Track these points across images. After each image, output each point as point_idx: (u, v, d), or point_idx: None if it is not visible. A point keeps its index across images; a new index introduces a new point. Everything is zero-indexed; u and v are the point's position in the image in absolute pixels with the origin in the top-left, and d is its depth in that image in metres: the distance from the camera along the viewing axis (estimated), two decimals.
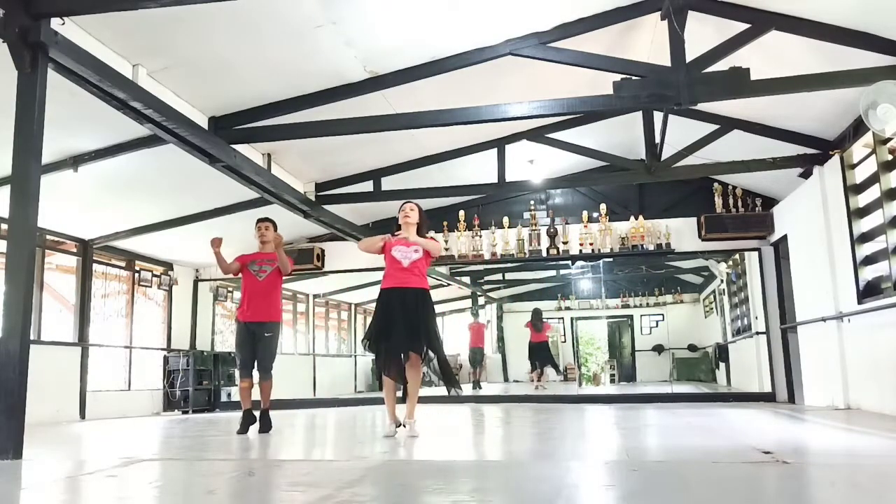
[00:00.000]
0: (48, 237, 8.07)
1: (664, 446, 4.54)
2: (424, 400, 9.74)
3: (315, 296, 12.83)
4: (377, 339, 4.70)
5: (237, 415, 5.79)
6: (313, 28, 5.16)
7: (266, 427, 5.53)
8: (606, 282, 11.39)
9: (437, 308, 5.18)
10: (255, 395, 5.61)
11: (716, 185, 9.13)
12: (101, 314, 8.98)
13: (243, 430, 5.45)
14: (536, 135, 7.94)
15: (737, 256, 10.09)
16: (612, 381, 13.23)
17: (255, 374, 5.62)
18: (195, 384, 9.61)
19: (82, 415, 8.17)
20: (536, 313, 12.32)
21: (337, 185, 8.44)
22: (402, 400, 4.92)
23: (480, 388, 12.26)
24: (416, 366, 4.71)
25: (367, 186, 8.33)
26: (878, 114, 4.99)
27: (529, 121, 6.77)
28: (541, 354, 12.16)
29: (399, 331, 4.61)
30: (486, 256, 9.72)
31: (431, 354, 4.76)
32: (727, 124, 7.22)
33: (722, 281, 11.51)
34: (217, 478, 3.19)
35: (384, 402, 4.84)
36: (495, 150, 8.00)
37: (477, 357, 12.75)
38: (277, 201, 7.59)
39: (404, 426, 4.78)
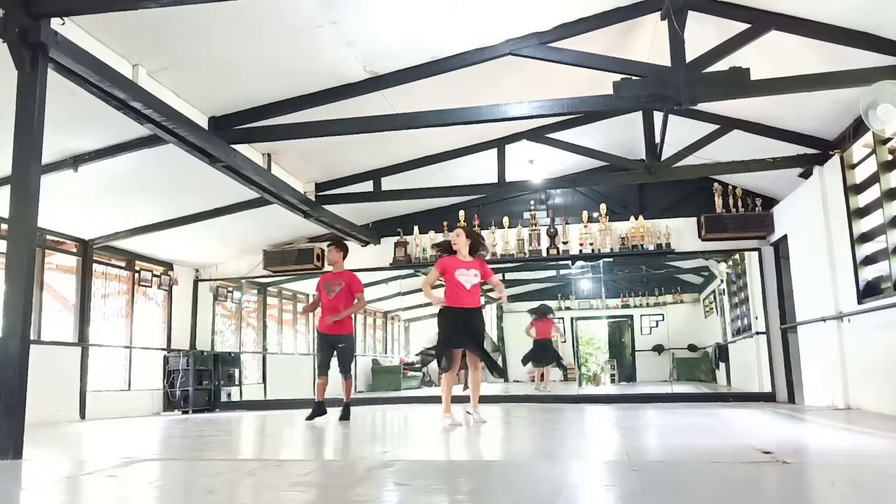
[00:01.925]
0: (48, 237, 8.07)
1: (664, 446, 4.54)
2: (428, 400, 9.82)
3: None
4: (446, 343, 5.57)
5: (237, 415, 5.81)
6: (313, 28, 5.17)
7: (346, 416, 6.59)
8: (606, 282, 11.37)
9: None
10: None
11: (716, 185, 9.13)
12: (101, 314, 8.98)
13: (311, 417, 6.48)
14: (536, 135, 7.93)
15: (737, 256, 10.07)
16: (613, 381, 13.21)
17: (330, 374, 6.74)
18: (195, 384, 9.61)
19: (82, 415, 8.17)
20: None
21: (337, 185, 8.44)
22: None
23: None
24: (477, 366, 5.72)
25: (367, 186, 8.34)
26: (878, 114, 4.99)
27: (529, 121, 6.76)
28: (542, 352, 12.08)
29: (463, 337, 5.57)
30: (486, 256, 9.71)
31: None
32: (727, 124, 7.21)
33: (722, 281, 11.50)
34: (217, 478, 3.19)
35: (440, 399, 5.59)
36: (495, 150, 8.00)
37: None
38: (277, 201, 7.59)
39: (469, 413, 5.72)
